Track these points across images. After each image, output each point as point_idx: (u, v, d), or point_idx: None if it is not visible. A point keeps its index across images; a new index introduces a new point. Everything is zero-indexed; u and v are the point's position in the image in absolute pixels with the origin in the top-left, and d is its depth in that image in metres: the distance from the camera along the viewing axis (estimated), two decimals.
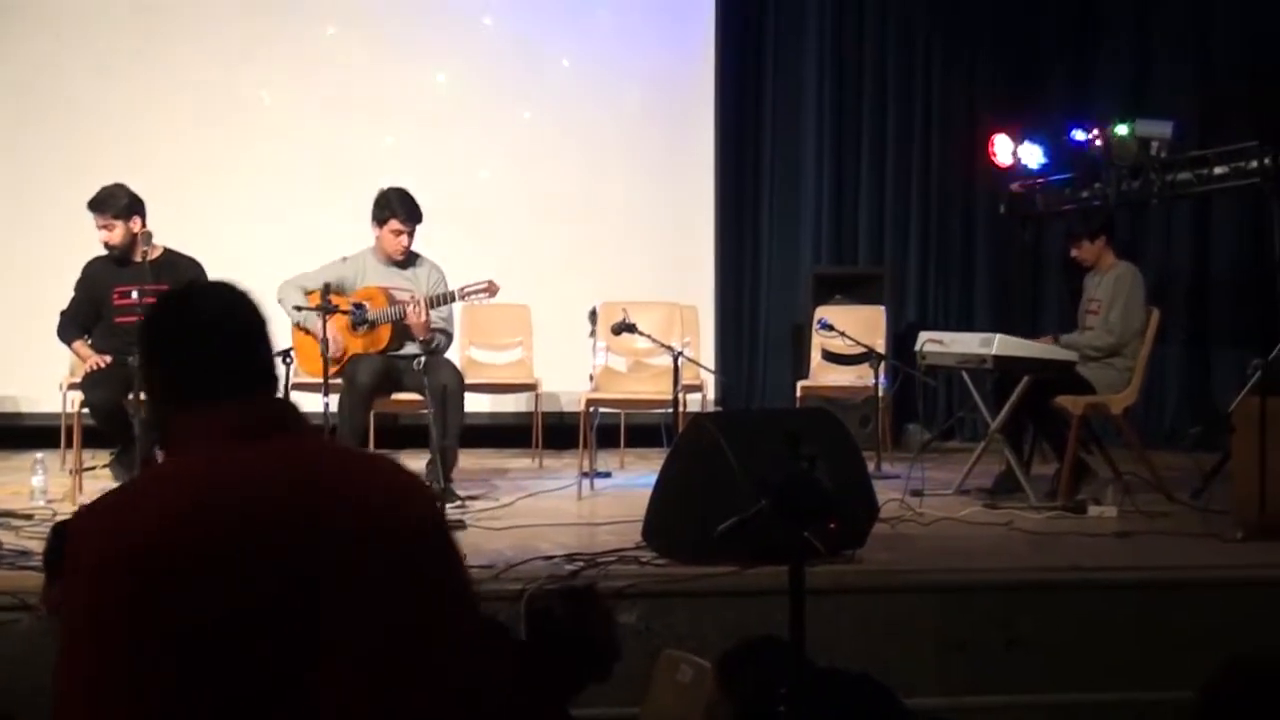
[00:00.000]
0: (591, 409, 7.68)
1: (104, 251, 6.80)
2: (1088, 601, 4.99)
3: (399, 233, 6.90)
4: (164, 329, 2.16)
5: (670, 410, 7.19)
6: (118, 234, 6.68)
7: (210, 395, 2.08)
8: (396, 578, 2.04)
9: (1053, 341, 7.10)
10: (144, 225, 6.71)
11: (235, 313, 2.17)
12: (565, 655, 3.51)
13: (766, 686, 3.32)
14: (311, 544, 1.99)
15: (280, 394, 2.21)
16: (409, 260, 7.01)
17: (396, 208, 6.89)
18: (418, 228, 6.96)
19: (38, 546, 5.15)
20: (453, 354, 7.30)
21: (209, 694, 1.90)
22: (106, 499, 2.06)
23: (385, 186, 7.00)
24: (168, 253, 6.81)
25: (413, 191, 6.98)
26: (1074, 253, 7.36)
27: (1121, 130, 8.16)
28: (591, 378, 8.07)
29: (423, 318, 6.72)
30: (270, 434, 2.09)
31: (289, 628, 1.94)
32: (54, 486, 6.65)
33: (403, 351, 6.87)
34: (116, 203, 6.68)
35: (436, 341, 6.88)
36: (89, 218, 6.75)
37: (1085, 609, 4.96)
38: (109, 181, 6.80)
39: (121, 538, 1.94)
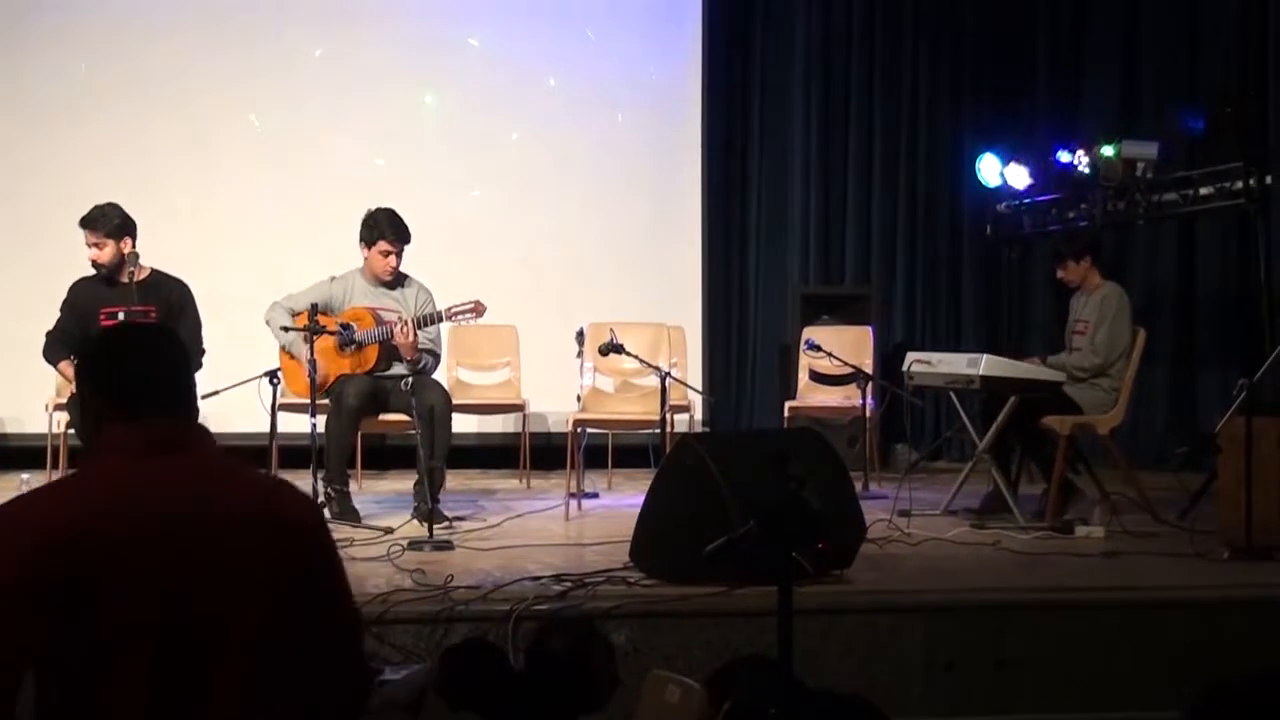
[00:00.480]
0: (579, 429, 7.68)
1: (91, 271, 6.79)
2: (1075, 621, 4.99)
3: (388, 253, 6.90)
4: (108, 352, 2.54)
5: (658, 431, 7.19)
6: (107, 253, 6.67)
7: (135, 413, 2.43)
8: (259, 587, 2.36)
9: (1040, 362, 7.11)
10: (133, 246, 6.70)
11: (165, 347, 2.57)
12: (562, 685, 3.51)
13: (756, 707, 3.32)
14: (189, 551, 2.31)
15: (199, 420, 2.58)
16: (397, 281, 7.01)
17: (385, 228, 6.89)
18: (406, 248, 6.97)
19: None
20: (440, 375, 7.29)
21: (57, 674, 2.24)
22: (24, 495, 2.38)
23: (373, 208, 7.00)
24: (155, 273, 6.79)
25: (401, 212, 6.98)
26: (1060, 274, 7.38)
27: (1108, 151, 8.19)
28: (579, 398, 8.07)
29: (410, 338, 6.72)
30: (179, 450, 2.43)
31: (149, 624, 2.25)
32: None
33: (390, 372, 6.86)
34: (109, 222, 6.67)
35: (424, 362, 6.88)
36: (77, 238, 6.73)
37: (1073, 629, 4.96)
38: (95, 202, 6.78)
39: (24, 531, 2.27)
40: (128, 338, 2.62)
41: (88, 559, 2.24)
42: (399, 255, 6.94)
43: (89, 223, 6.69)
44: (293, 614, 2.39)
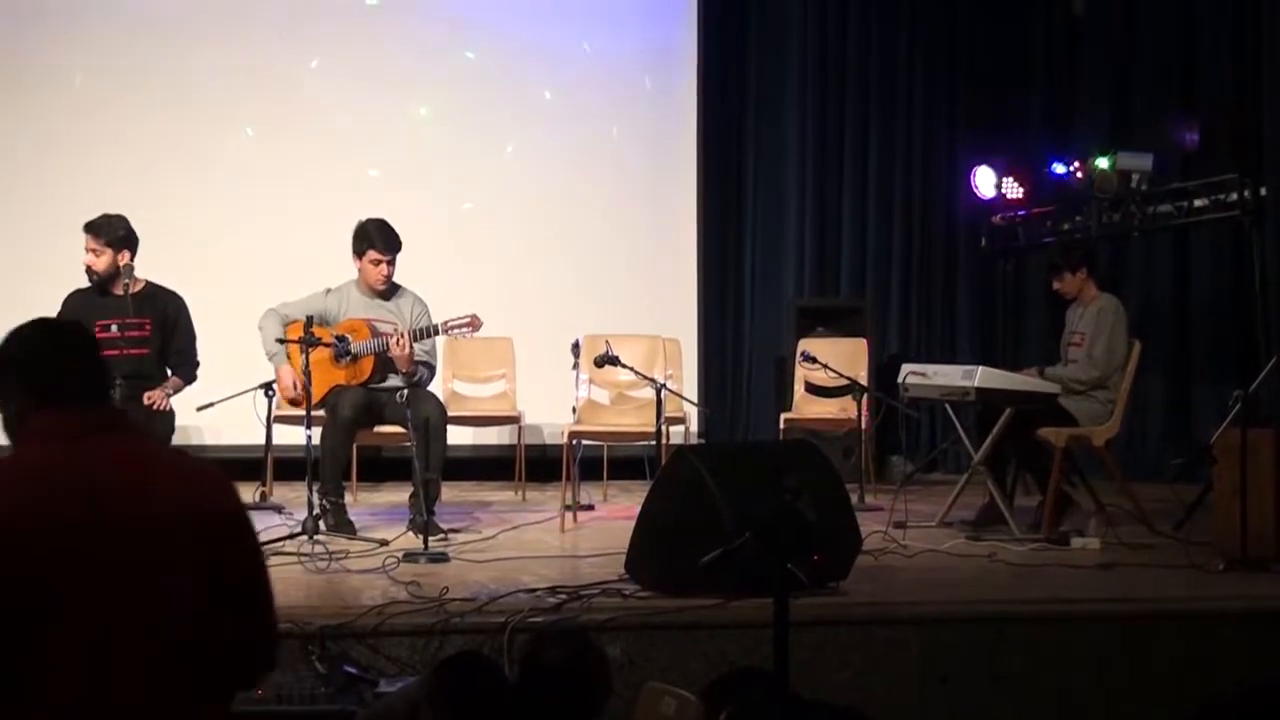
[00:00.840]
0: (574, 441, 7.67)
1: (84, 282, 6.77)
2: (1071, 634, 4.99)
3: (378, 262, 6.89)
4: (32, 345, 2.73)
5: (653, 443, 7.18)
6: (103, 261, 6.65)
7: (61, 400, 2.65)
8: (185, 560, 2.58)
9: (1038, 374, 7.11)
10: (131, 260, 6.69)
11: (84, 339, 2.83)
12: (557, 696, 3.50)
13: (752, 719, 3.31)
14: (125, 523, 2.53)
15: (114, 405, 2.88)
16: (392, 292, 7.01)
17: (374, 238, 6.89)
18: (399, 258, 6.96)
19: None
20: (435, 387, 7.29)
21: None
22: None
23: (366, 220, 6.99)
24: (149, 285, 6.79)
25: (396, 223, 6.98)
26: (1055, 285, 7.37)
27: (1102, 163, 8.21)
28: (574, 410, 8.06)
29: (406, 350, 6.71)
30: (106, 433, 2.65)
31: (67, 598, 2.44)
32: None
33: (385, 384, 6.86)
34: (113, 231, 6.65)
35: (419, 375, 6.87)
36: (71, 249, 6.73)
37: (1069, 641, 4.96)
38: (89, 212, 6.77)
39: None
40: (44, 330, 2.81)
41: (33, 540, 2.45)
42: (390, 264, 6.93)
43: (94, 228, 6.67)
44: (214, 586, 2.61)
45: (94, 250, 6.67)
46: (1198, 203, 8.04)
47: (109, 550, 2.50)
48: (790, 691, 3.30)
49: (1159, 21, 9.59)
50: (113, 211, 6.75)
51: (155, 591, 2.53)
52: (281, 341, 6.78)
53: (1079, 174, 8.46)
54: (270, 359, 6.90)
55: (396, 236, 6.93)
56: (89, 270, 6.69)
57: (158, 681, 2.51)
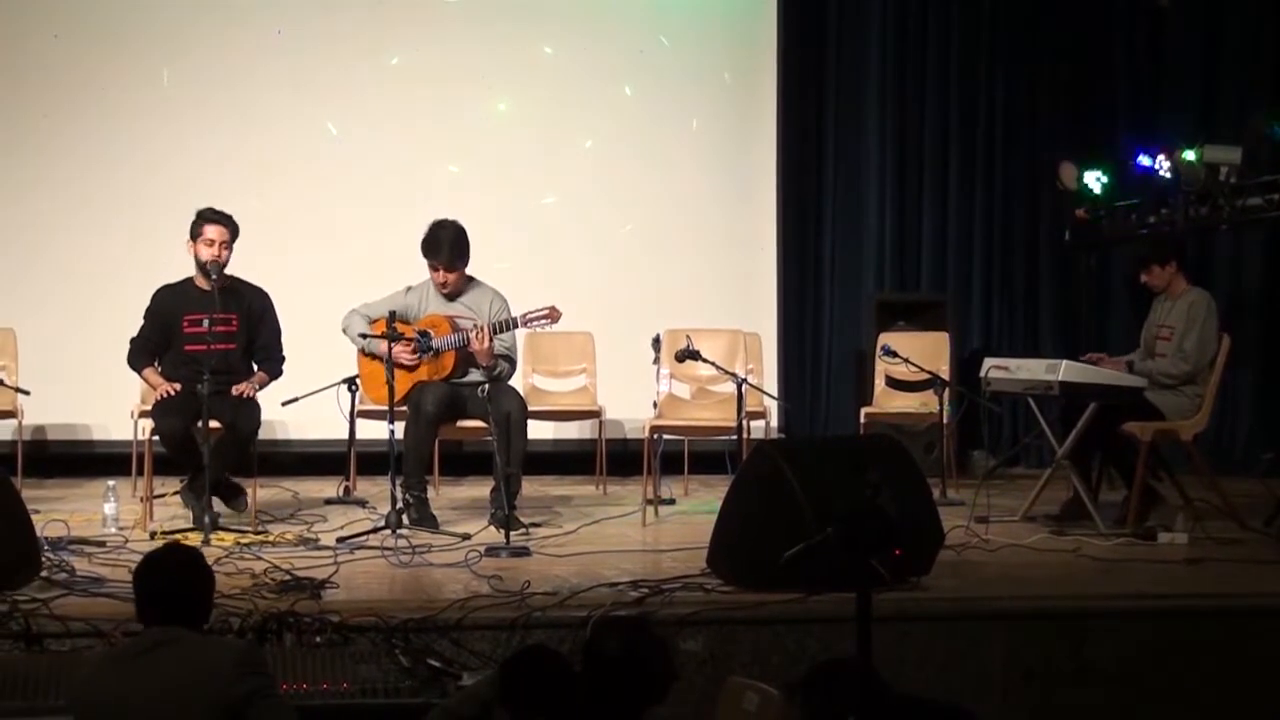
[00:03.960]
0: (655, 436, 7.67)
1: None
2: (1158, 629, 4.94)
3: (435, 269, 6.91)
4: None
5: (734, 437, 7.18)
6: (227, 254, 6.69)
7: None
8: None
9: (1126, 367, 7.04)
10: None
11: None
12: (619, 684, 3.52)
13: (838, 711, 3.30)
14: None
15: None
16: (471, 288, 7.03)
17: (428, 249, 6.88)
18: (477, 255, 6.95)
19: (110, 573, 5.25)
20: (516, 381, 7.32)
21: None
22: None
23: (434, 221, 6.96)
24: (235, 280, 6.84)
25: (475, 219, 6.99)
26: (1144, 279, 7.28)
27: (1189, 156, 8.09)
28: (655, 404, 8.07)
29: (486, 344, 6.74)
30: None
31: None
32: (125, 514, 6.72)
33: (467, 379, 6.90)
34: (234, 225, 6.72)
35: (500, 369, 6.90)
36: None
37: (1155, 636, 4.91)
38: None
39: None
40: None
41: None
42: (447, 271, 6.89)
43: (224, 220, 6.68)
44: None
45: (223, 242, 6.69)
46: None
47: None
48: (889, 687, 3.30)
49: (1245, 11, 9.44)
50: (194, 206, 6.81)
51: None
52: (365, 336, 6.83)
53: (1165, 166, 8.35)
54: (369, 348, 6.91)
55: (453, 243, 6.87)
56: (209, 263, 6.64)
57: None
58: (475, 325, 6.81)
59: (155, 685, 3.40)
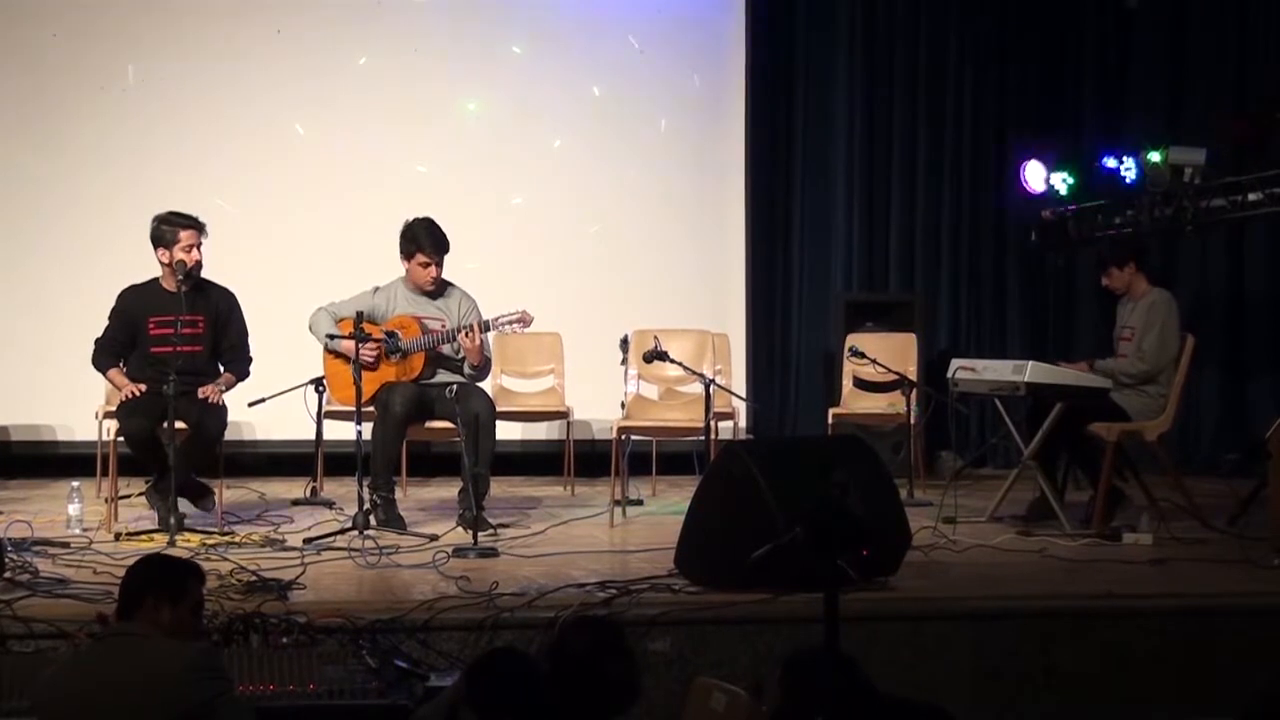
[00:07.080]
0: (623, 436, 7.67)
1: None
2: (1124, 629, 4.96)
3: (426, 264, 6.90)
4: None
5: (702, 438, 7.18)
6: (199, 256, 6.66)
7: None
8: None
9: (1088, 367, 7.08)
10: None
11: None
12: (585, 687, 3.51)
13: (811, 710, 3.30)
14: None
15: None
16: (440, 289, 7.02)
17: (423, 241, 6.89)
18: (447, 256, 6.97)
19: (74, 574, 5.22)
20: (485, 382, 7.30)
21: None
22: None
23: (410, 219, 6.99)
24: (202, 281, 6.80)
25: (444, 220, 6.99)
26: (1105, 281, 7.32)
27: (1154, 157, 8.13)
28: (623, 405, 8.06)
29: (476, 342, 6.72)
30: None
31: None
32: (90, 514, 6.68)
33: (435, 380, 6.88)
34: (203, 227, 6.68)
35: (487, 368, 6.94)
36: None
37: (1122, 636, 4.93)
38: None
39: None
40: None
41: None
42: (439, 265, 6.94)
43: (198, 225, 6.66)
44: None
45: (196, 245, 6.64)
46: (1251, 196, 7.95)
47: None
48: (870, 684, 3.31)
49: (1212, 14, 9.49)
50: (160, 208, 6.77)
51: None
52: (332, 337, 6.81)
53: (1130, 168, 8.39)
54: (334, 347, 6.88)
55: (444, 238, 6.93)
56: (186, 266, 6.58)
57: None
58: (443, 327, 6.80)
59: (111, 687, 3.44)
